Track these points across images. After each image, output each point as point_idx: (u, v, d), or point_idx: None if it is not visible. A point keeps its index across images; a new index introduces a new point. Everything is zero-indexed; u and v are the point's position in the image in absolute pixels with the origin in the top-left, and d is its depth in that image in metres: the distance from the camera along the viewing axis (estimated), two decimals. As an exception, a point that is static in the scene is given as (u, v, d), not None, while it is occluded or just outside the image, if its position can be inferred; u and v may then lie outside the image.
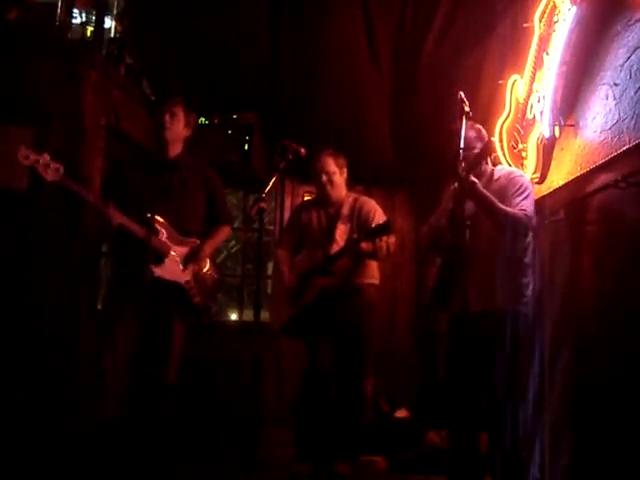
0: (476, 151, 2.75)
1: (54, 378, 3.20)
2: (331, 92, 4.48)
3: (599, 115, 2.63)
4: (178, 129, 3.10)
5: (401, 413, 4.34)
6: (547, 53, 2.99)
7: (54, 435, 3.10)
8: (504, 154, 3.21)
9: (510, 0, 3.64)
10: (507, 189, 2.79)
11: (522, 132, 3.13)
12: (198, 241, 3.12)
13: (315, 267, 3.41)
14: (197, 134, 3.28)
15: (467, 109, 2.64)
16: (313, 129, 4.34)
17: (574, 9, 2.78)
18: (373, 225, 3.35)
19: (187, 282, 3.03)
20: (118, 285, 3.08)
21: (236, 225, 5.10)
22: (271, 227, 5.38)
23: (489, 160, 2.90)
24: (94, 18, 4.13)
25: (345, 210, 3.53)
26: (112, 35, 4.36)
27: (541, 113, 2.95)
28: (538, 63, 3.06)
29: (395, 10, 4.10)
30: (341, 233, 3.46)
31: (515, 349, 2.66)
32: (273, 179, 2.96)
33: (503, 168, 2.98)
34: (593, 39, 2.73)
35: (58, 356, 3.24)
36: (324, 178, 3.51)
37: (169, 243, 3.01)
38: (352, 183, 3.80)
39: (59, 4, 3.78)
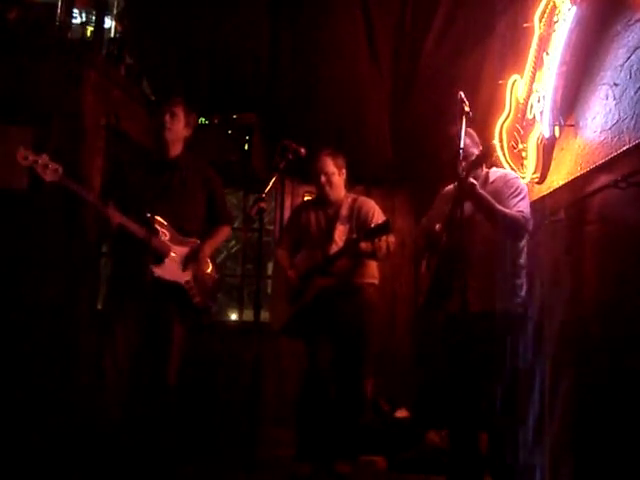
0: (473, 158, 2.76)
1: (54, 378, 3.20)
2: (331, 92, 4.48)
3: (599, 115, 2.63)
4: (178, 129, 3.10)
5: (401, 413, 4.34)
6: (547, 53, 2.99)
7: (54, 435, 3.09)
8: (504, 154, 3.21)
9: (510, 0, 3.64)
10: (503, 191, 2.83)
11: (522, 132, 3.13)
12: (198, 241, 3.12)
13: (314, 267, 3.41)
14: (197, 134, 3.28)
15: (467, 109, 2.65)
16: (313, 129, 4.34)
17: (574, 9, 2.78)
18: (372, 225, 3.35)
19: (187, 282, 3.03)
20: (118, 285, 3.08)
21: (236, 225, 5.10)
22: (271, 227, 5.38)
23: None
24: (94, 18, 4.13)
25: (344, 210, 3.53)
26: (112, 35, 4.35)
27: (541, 113, 2.95)
28: (538, 63, 3.05)
29: (395, 10, 4.10)
30: (340, 233, 3.46)
31: (512, 349, 2.70)
32: (273, 179, 2.96)
33: (498, 170, 3.00)
34: (593, 39, 2.73)
35: (58, 356, 3.23)
36: (323, 178, 3.51)
37: (169, 243, 3.01)
38: (352, 183, 3.80)
39: (59, 4, 3.78)
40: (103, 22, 4.15)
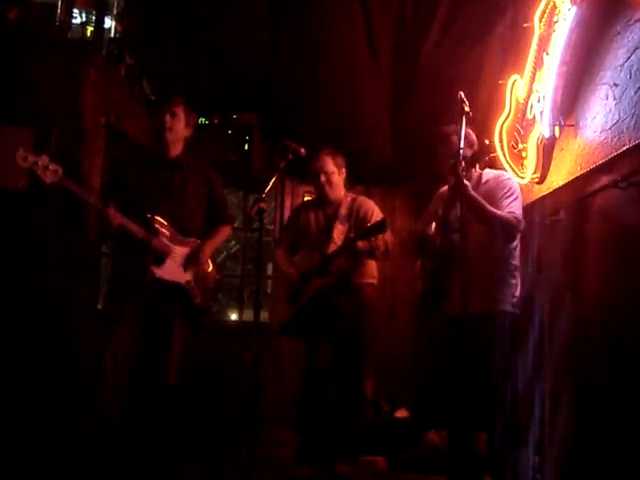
0: (466, 158, 2.77)
1: (54, 378, 3.20)
2: (331, 92, 4.48)
3: (599, 115, 2.63)
4: (179, 129, 3.10)
5: (401, 413, 4.34)
6: (547, 53, 2.99)
7: (54, 435, 3.09)
8: (504, 154, 3.21)
9: (510, 0, 3.63)
10: (495, 192, 2.85)
11: (522, 132, 3.13)
12: (198, 241, 3.12)
13: (314, 267, 3.41)
14: (197, 134, 3.28)
15: (467, 109, 2.65)
16: (313, 129, 4.34)
17: (574, 9, 2.78)
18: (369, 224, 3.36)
19: (188, 282, 3.03)
20: (118, 285, 3.08)
21: (236, 225, 5.09)
22: (271, 227, 5.38)
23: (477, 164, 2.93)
24: (94, 18, 4.12)
25: (343, 210, 3.53)
26: (112, 35, 4.35)
27: (541, 113, 2.95)
28: (538, 63, 3.05)
29: (395, 6, 4.10)
30: (339, 233, 3.46)
31: (509, 348, 2.72)
32: (273, 179, 2.96)
33: (491, 171, 3.01)
34: (593, 39, 2.73)
35: (58, 356, 3.23)
36: (322, 178, 3.51)
37: (169, 243, 3.01)
38: (352, 183, 3.80)
39: (59, 4, 3.78)
40: (103, 22, 4.15)
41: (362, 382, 3.57)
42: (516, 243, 2.88)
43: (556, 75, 2.87)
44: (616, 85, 2.51)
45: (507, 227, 2.76)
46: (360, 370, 3.47)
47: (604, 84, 2.61)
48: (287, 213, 4.77)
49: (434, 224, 2.94)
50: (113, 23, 4.43)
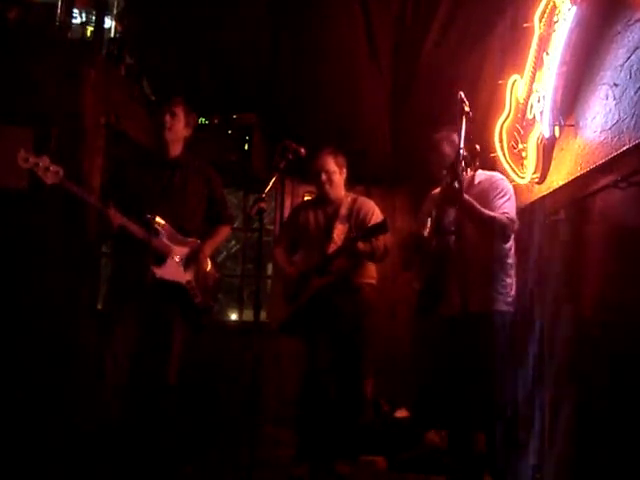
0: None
1: (54, 378, 3.20)
2: (331, 92, 4.48)
3: (599, 115, 2.63)
4: (178, 129, 3.10)
5: (401, 413, 4.34)
6: (547, 53, 2.99)
7: (54, 435, 3.09)
8: (504, 154, 3.21)
9: (510, 0, 3.63)
10: (488, 193, 2.88)
11: (522, 132, 3.13)
12: (198, 241, 3.12)
13: (313, 267, 3.41)
14: (197, 134, 3.28)
15: (467, 109, 2.65)
16: (313, 129, 4.34)
17: (574, 9, 2.77)
18: (370, 225, 3.36)
19: (188, 282, 3.03)
20: (118, 285, 3.08)
21: (236, 225, 5.10)
22: (271, 227, 5.38)
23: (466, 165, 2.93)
24: (94, 18, 4.12)
25: (343, 210, 3.53)
26: (112, 35, 4.35)
27: (541, 113, 2.95)
28: (538, 63, 3.05)
29: (395, 6, 4.10)
30: (339, 233, 3.47)
31: (506, 348, 2.77)
32: (273, 179, 2.96)
33: (483, 173, 3.01)
34: (593, 39, 2.72)
35: (58, 356, 3.23)
36: (323, 177, 3.51)
37: (170, 243, 3.01)
38: (352, 183, 3.80)
39: (59, 4, 3.77)
40: (103, 22, 4.15)
41: (362, 382, 3.57)
42: (511, 242, 2.90)
43: (556, 75, 2.87)
44: (616, 85, 2.51)
45: (501, 228, 2.78)
46: (360, 370, 3.47)
47: (604, 84, 2.61)
48: (287, 213, 4.77)
49: (428, 225, 2.94)
50: (113, 23, 4.42)
